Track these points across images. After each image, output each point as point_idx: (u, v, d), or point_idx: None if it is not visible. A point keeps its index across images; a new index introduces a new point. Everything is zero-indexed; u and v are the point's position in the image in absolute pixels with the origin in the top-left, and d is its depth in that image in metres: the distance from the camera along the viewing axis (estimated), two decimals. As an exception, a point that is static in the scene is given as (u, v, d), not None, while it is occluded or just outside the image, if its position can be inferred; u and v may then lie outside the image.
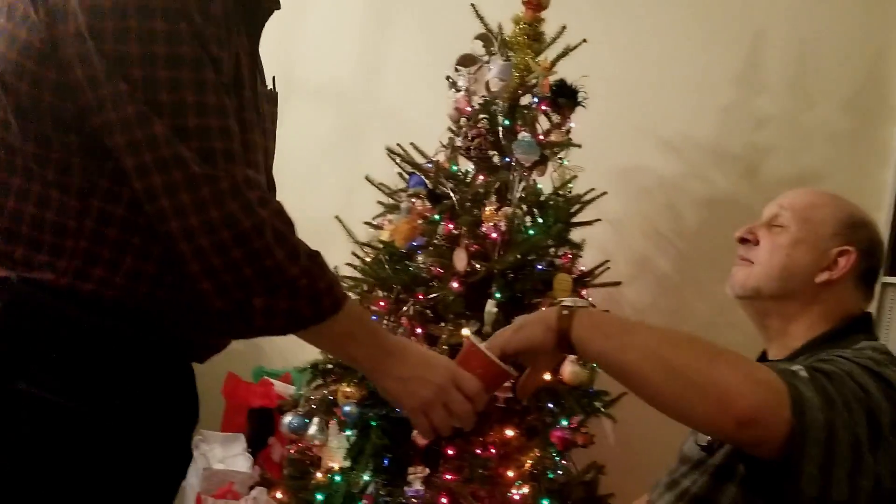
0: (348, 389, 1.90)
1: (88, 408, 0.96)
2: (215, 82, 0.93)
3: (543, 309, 1.07)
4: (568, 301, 1.07)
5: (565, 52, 2.08)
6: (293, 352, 2.76)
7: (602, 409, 2.00)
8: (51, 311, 0.94)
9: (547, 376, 1.90)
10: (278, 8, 1.15)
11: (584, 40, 2.08)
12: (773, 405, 0.91)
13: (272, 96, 1.20)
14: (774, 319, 1.23)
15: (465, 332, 1.86)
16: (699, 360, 0.95)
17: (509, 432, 1.88)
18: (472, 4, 2.07)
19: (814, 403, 0.91)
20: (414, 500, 1.77)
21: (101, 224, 0.95)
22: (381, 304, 1.98)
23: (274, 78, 1.22)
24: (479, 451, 1.85)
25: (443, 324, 1.92)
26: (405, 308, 1.93)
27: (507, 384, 1.17)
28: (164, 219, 0.91)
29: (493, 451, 1.86)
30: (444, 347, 1.83)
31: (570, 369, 1.90)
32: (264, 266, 0.92)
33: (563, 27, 2.08)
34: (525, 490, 1.84)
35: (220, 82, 0.94)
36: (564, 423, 1.92)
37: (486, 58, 2.05)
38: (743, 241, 1.28)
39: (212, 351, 1.16)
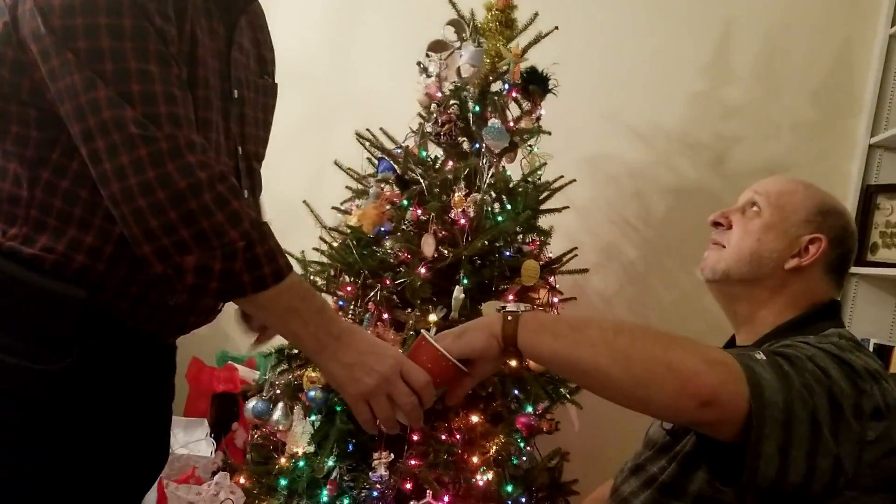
0: (313, 374, 1.88)
1: (36, 366, 0.98)
2: (159, 52, 0.94)
3: (485, 315, 1.04)
4: (511, 307, 1.05)
5: (537, 40, 2.07)
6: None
7: (567, 396, 2.02)
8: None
9: (513, 362, 1.91)
10: None
11: (556, 28, 2.08)
12: (730, 384, 0.92)
13: (267, 87, 1.21)
14: (743, 304, 1.24)
15: (432, 317, 1.86)
16: (654, 347, 0.95)
17: (474, 418, 1.88)
18: (444, -11, 2.05)
19: (772, 385, 0.92)
20: (378, 486, 1.77)
21: (48, 195, 0.98)
22: (348, 289, 1.96)
23: (274, 70, 1.23)
24: (443, 437, 1.85)
25: (409, 310, 1.92)
26: (372, 293, 1.92)
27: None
28: (106, 182, 0.92)
29: (457, 436, 1.86)
30: (411, 333, 1.83)
31: (536, 356, 1.90)
32: (201, 227, 0.92)
33: (536, 14, 2.07)
34: (489, 476, 1.84)
35: (167, 52, 0.95)
36: (529, 409, 1.93)
37: (457, 43, 2.03)
38: (716, 224, 1.29)
39: (174, 329, 1.15)
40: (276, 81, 1.31)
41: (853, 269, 2.51)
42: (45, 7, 0.92)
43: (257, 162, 1.22)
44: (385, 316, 1.89)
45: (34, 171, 0.98)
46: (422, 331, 1.13)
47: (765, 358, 0.97)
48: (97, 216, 0.99)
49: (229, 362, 2.56)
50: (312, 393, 1.88)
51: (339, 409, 1.88)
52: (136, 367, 1.10)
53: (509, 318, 1.02)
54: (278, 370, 2.02)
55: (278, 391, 1.97)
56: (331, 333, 1.03)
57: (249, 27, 1.22)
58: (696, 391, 0.91)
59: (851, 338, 1.12)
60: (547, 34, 2.08)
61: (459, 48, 2.03)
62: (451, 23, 2.05)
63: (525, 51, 2.06)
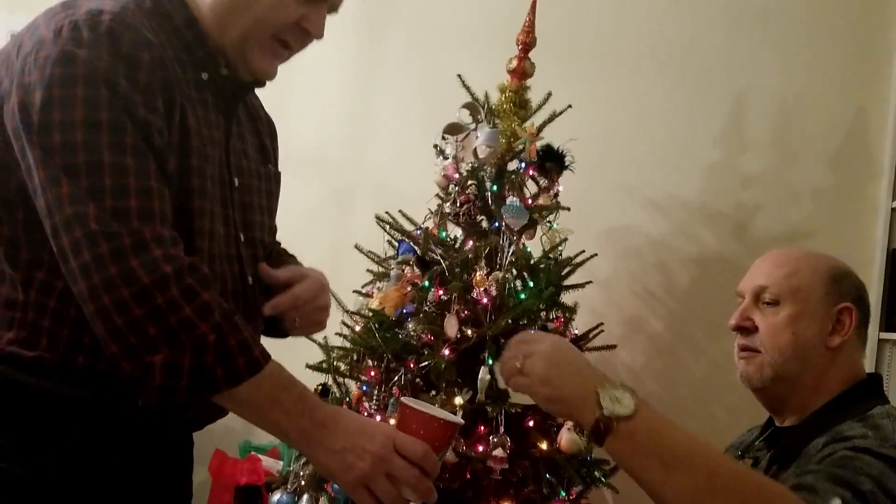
0: (339, 464, 1.84)
1: (25, 471, 0.95)
2: (135, 145, 0.93)
3: (581, 390, 0.96)
4: (606, 400, 0.94)
5: (551, 118, 2.10)
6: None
7: (602, 479, 1.95)
8: None
9: (544, 445, 1.86)
10: (260, 86, 1.16)
11: (570, 106, 2.10)
12: None
13: (270, 174, 1.21)
14: (794, 398, 1.20)
15: (458, 400, 1.82)
16: None
17: (506, 505, 1.83)
18: (459, 75, 2.09)
19: None
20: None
21: (42, 296, 0.97)
22: (372, 373, 1.94)
23: (277, 158, 1.23)
24: (475, 526, 1.79)
25: (435, 393, 1.88)
26: (396, 377, 1.89)
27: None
28: (74, 280, 0.91)
29: (490, 525, 1.80)
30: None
31: (567, 437, 1.85)
32: (169, 323, 0.90)
33: (549, 94, 2.10)
34: (524, 565, 1.77)
35: (144, 146, 0.94)
36: (563, 494, 1.87)
37: (472, 125, 2.06)
38: (740, 329, 1.24)
39: (187, 424, 1.12)
40: (280, 170, 1.31)
41: (884, 336, 2.46)
42: (26, 102, 0.92)
43: (262, 248, 1.21)
44: (410, 400, 1.85)
45: (28, 274, 0.97)
46: (401, 399, 1.07)
47: None
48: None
49: (252, 453, 2.51)
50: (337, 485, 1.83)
51: (365, 499, 1.83)
52: (148, 463, 1.07)
53: (605, 414, 0.93)
54: (302, 460, 1.98)
55: (303, 482, 1.93)
56: (315, 421, 0.97)
57: (248, 117, 1.23)
58: None
59: None
60: (561, 112, 2.10)
61: (475, 130, 2.05)
62: (466, 105, 2.08)
63: (540, 129, 2.08)
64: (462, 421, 1.03)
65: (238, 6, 1.06)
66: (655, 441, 0.93)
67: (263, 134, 1.26)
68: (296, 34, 1.11)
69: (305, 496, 1.89)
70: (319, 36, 1.12)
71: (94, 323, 0.91)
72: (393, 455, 0.97)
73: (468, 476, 1.83)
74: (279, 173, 1.28)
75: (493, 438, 1.79)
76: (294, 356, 2.39)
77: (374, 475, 0.96)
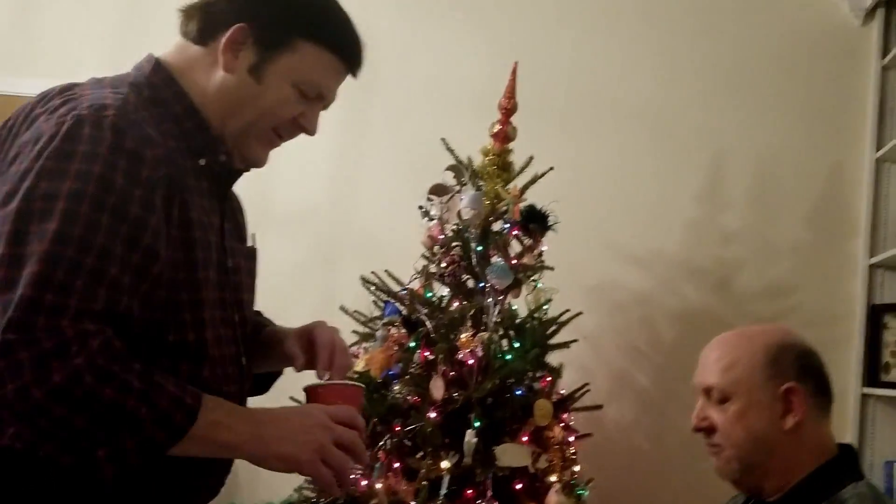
0: (326, 528, 1.83)
1: None
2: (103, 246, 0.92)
3: None
4: None
5: (534, 180, 2.14)
6: (268, 485, 2.67)
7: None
8: None
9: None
10: (247, 171, 1.19)
11: (552, 168, 2.15)
12: None
13: (251, 252, 1.22)
14: (767, 483, 1.21)
15: (444, 464, 1.82)
16: None
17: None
18: (443, 139, 2.13)
19: None
20: None
21: None
22: (358, 436, 1.93)
23: (254, 235, 1.25)
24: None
25: (421, 456, 1.87)
26: (382, 441, 1.88)
27: None
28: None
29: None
30: (424, 483, 1.78)
31: (555, 499, 1.85)
32: (94, 412, 0.89)
33: (531, 157, 2.15)
34: None
35: (132, 238, 0.94)
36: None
37: (457, 187, 2.10)
38: (698, 430, 1.26)
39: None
40: (257, 241, 1.33)
41: (867, 391, 2.47)
42: (10, 190, 0.92)
43: (249, 325, 1.22)
44: (396, 465, 1.84)
45: None
46: (306, 386, 1.14)
47: None
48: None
49: (238, 516, 2.47)
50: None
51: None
52: None
53: None
54: (289, 524, 1.96)
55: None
56: (256, 421, 1.01)
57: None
58: None
59: (875, 499, 1.09)
60: (543, 174, 2.15)
61: (459, 192, 2.09)
62: (451, 168, 2.12)
63: (523, 191, 2.12)
64: (363, 385, 1.15)
65: (246, 99, 1.10)
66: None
67: (237, 212, 1.28)
68: (291, 129, 1.17)
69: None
70: (313, 133, 1.19)
71: (22, 429, 0.93)
72: (332, 423, 1.04)
73: (456, 541, 1.81)
74: (255, 249, 1.30)
75: (480, 503, 1.78)
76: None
77: (325, 444, 1.02)
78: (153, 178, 0.97)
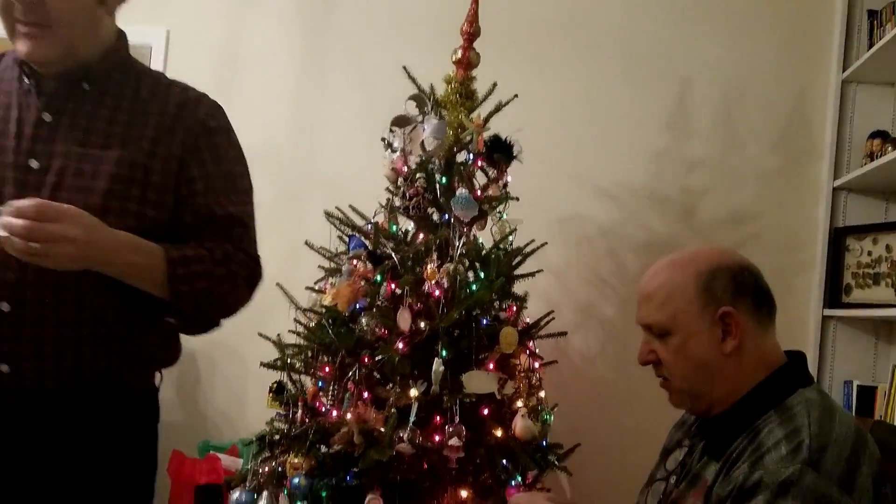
0: (296, 461, 1.84)
1: None
2: None
3: None
4: None
5: (498, 109, 2.11)
6: (239, 422, 2.68)
7: (556, 463, 1.98)
8: None
9: (499, 432, 1.89)
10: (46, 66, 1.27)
11: (516, 95, 2.12)
12: None
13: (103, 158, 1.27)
14: (716, 405, 1.21)
15: (413, 392, 1.83)
16: None
17: (464, 493, 1.84)
18: (404, 67, 2.09)
19: None
20: (369, 572, 1.71)
21: None
22: (327, 369, 1.94)
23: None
24: (434, 515, 1.81)
25: (390, 386, 1.89)
26: (351, 373, 1.89)
27: None
28: None
29: (448, 513, 1.82)
30: (393, 410, 1.80)
31: (521, 424, 1.88)
32: None
33: (495, 84, 2.11)
34: (483, 552, 1.79)
35: None
36: (519, 479, 1.89)
37: (419, 118, 2.06)
38: (647, 364, 1.27)
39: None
40: None
41: (828, 312, 2.53)
42: None
43: None
44: (366, 394, 1.86)
45: None
46: None
47: None
48: None
49: (211, 452, 2.49)
50: (296, 480, 1.83)
51: (324, 493, 1.83)
52: None
53: None
54: (260, 458, 1.97)
55: (262, 480, 1.92)
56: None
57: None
58: None
59: (821, 414, 1.10)
60: (507, 103, 2.11)
61: (422, 122, 2.05)
62: (413, 98, 2.09)
63: (487, 120, 2.09)
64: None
65: None
66: None
67: (103, 116, 1.31)
68: (10, 7, 1.19)
69: (265, 493, 1.88)
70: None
71: None
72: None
73: (425, 466, 1.84)
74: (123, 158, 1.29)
75: (448, 428, 1.80)
76: (248, 354, 2.38)
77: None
78: None
